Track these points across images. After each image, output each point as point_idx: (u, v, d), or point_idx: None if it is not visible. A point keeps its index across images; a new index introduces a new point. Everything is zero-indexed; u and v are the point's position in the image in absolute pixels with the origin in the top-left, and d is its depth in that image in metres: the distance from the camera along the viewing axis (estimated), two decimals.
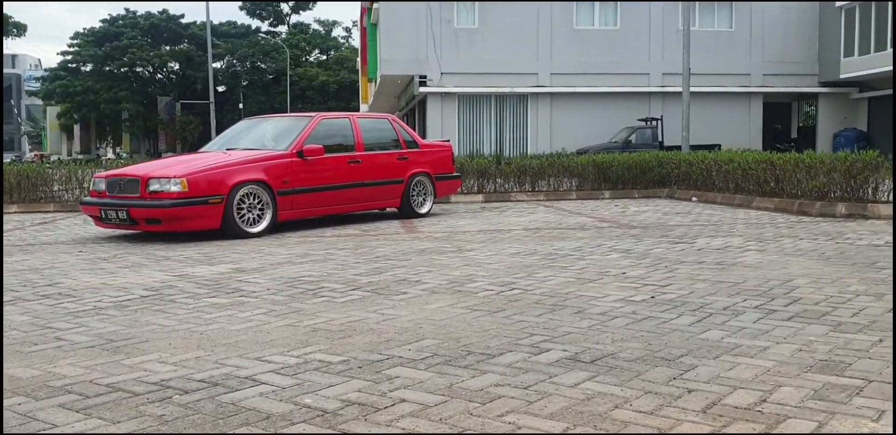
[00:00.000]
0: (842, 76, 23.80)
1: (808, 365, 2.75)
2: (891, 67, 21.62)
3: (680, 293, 4.19)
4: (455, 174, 10.52)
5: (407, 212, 9.53)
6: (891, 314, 3.56)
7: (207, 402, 2.46)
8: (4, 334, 3.47)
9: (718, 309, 3.75)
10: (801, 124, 27.69)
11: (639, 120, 22.35)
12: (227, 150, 8.55)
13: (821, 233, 7.01)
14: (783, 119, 27.45)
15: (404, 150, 9.47)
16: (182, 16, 54.29)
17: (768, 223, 8.04)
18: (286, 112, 45.63)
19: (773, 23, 24.34)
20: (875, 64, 22.30)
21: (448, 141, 11.00)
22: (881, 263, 5.10)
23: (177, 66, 54.83)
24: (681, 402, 2.37)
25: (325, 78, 53.57)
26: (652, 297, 4.10)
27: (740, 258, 5.50)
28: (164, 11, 53.85)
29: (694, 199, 11.68)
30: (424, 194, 9.76)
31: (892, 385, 2.50)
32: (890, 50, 21.72)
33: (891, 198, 8.77)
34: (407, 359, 2.93)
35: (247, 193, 7.56)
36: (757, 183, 10.25)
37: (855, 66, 23.20)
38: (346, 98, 54.63)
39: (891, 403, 2.32)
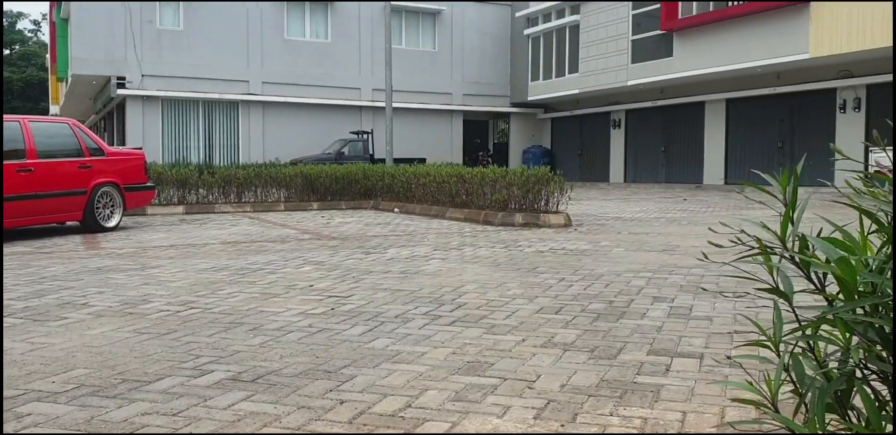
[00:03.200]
0: (529, 98, 26.42)
1: (457, 367, 2.97)
2: (567, 92, 24.45)
3: (359, 303, 4.31)
4: (149, 184, 9.89)
5: (91, 226, 8.76)
6: (538, 315, 3.98)
7: None
8: None
9: (391, 317, 3.92)
10: (496, 141, 30.23)
11: (351, 132, 22.85)
12: None
13: (499, 241, 7.67)
14: (482, 135, 29.78)
15: (87, 158, 8.70)
16: None
17: (456, 232, 8.63)
18: None
19: (472, 46, 26.33)
20: (557, 88, 25.06)
21: (140, 148, 10.32)
22: (541, 268, 5.70)
23: None
24: (331, 414, 2.42)
25: (7, 75, 47.66)
26: (332, 309, 4.17)
27: (424, 266, 5.82)
28: None
29: (396, 210, 12.18)
30: (112, 206, 9.05)
31: (548, 383, 2.77)
32: (568, 75, 24.55)
33: (560, 208, 9.88)
34: (47, 392, 2.66)
35: None
36: (450, 195, 10.96)
37: (540, 90, 25.88)
38: (34, 98, 49.10)
39: (518, 399, 2.58)
